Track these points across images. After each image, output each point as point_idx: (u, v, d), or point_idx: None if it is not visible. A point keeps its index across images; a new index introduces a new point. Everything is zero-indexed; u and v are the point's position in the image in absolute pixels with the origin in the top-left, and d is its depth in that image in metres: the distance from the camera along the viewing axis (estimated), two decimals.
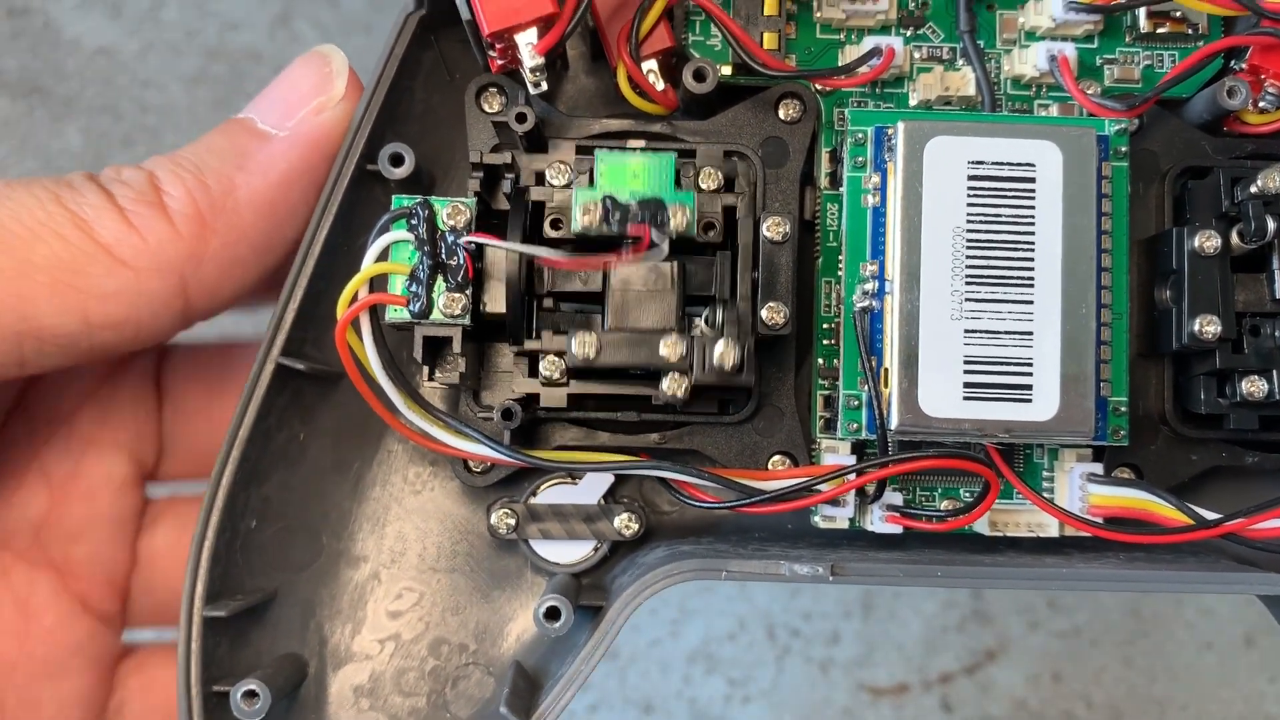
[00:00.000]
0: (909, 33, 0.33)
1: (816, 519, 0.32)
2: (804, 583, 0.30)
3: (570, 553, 0.34)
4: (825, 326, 0.33)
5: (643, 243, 0.29)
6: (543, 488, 0.34)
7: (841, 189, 0.32)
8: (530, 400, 0.31)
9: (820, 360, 0.32)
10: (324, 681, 0.33)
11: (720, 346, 0.29)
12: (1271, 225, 0.30)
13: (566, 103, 0.34)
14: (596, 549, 0.34)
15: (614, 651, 0.87)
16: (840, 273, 0.32)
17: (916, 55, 0.33)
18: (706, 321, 0.31)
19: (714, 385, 0.30)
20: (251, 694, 0.30)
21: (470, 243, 0.30)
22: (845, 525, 0.32)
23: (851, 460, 0.31)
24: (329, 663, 0.33)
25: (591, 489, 0.34)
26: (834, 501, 0.31)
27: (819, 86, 0.33)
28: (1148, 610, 0.89)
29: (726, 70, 0.33)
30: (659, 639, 0.90)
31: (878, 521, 0.32)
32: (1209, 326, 0.30)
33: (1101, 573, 0.30)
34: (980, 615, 0.89)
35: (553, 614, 0.31)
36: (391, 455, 0.34)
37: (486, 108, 0.33)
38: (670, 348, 0.30)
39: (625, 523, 0.33)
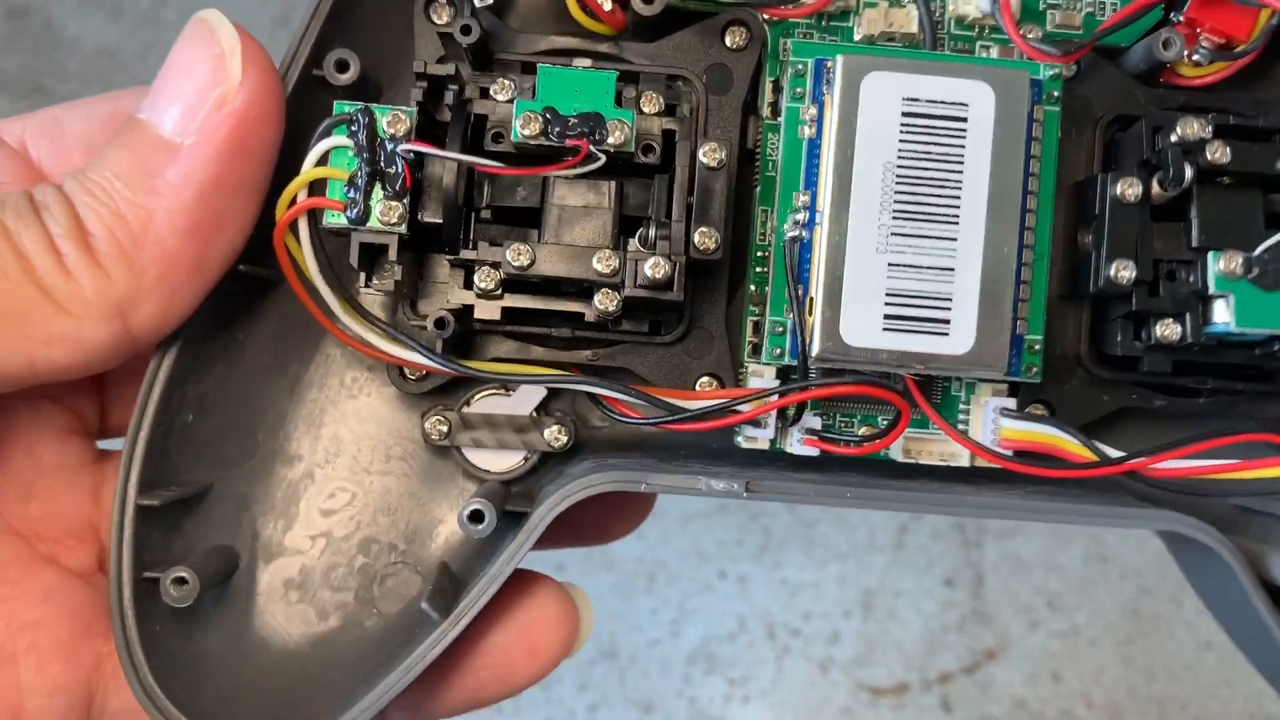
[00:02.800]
0: None
1: (739, 439, 0.34)
2: (721, 497, 0.32)
3: (501, 461, 0.35)
4: (759, 254, 0.34)
5: (580, 154, 0.31)
6: (476, 397, 0.36)
7: (781, 119, 0.34)
8: (465, 312, 0.33)
9: (753, 287, 0.34)
10: (255, 573, 0.35)
11: (651, 261, 0.31)
12: (1189, 172, 0.31)
13: (515, 18, 0.35)
14: (526, 459, 0.35)
15: (614, 651, 0.88)
16: (776, 202, 0.34)
17: None
18: (640, 241, 0.33)
19: (645, 301, 0.32)
20: (181, 580, 0.32)
21: (409, 151, 0.31)
22: (766, 446, 0.34)
23: (775, 384, 0.34)
24: (260, 556, 0.35)
25: (524, 401, 0.35)
26: (755, 423, 0.33)
27: (766, 16, 0.34)
28: (1147, 610, 0.90)
29: None
30: (659, 639, 0.90)
31: (797, 444, 0.34)
32: (1124, 271, 0.32)
33: (1005, 501, 0.32)
34: (980, 615, 0.89)
35: (476, 517, 0.33)
36: (329, 359, 0.36)
37: (435, 19, 0.34)
38: (604, 261, 0.31)
39: (555, 435, 0.35)
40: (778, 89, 0.34)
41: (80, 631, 0.34)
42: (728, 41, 0.34)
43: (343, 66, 0.33)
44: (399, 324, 0.34)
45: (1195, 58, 0.34)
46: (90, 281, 0.30)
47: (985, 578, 0.88)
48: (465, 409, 0.35)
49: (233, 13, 0.32)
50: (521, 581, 0.35)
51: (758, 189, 0.35)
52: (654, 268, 0.31)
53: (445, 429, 0.35)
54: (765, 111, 0.34)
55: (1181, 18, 0.33)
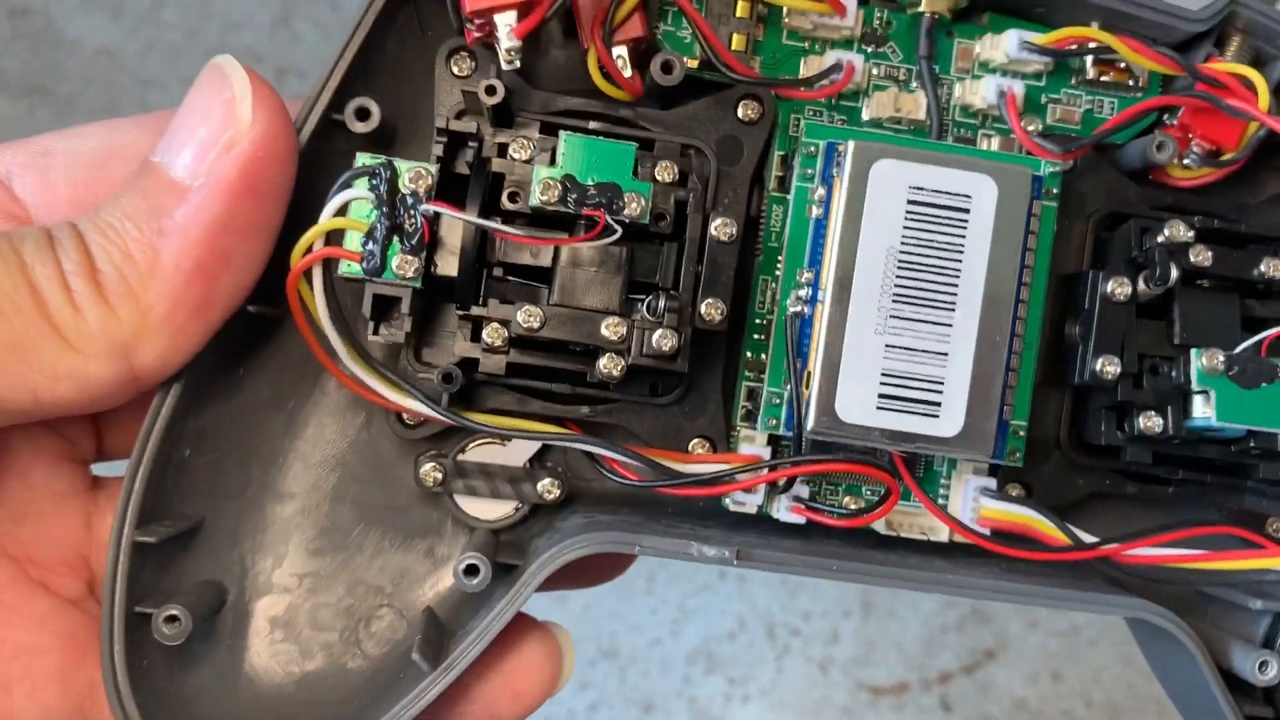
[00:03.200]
0: (870, 49, 0.36)
1: (727, 502, 0.36)
2: (710, 563, 0.33)
3: (492, 510, 0.36)
4: (758, 321, 0.36)
5: (597, 226, 0.32)
6: (471, 446, 0.36)
7: (789, 195, 0.35)
8: (470, 364, 0.34)
9: (749, 354, 0.36)
10: (242, 610, 0.35)
11: (659, 333, 0.32)
12: (1174, 273, 0.33)
13: (536, 77, 0.36)
14: (518, 509, 0.36)
15: (614, 651, 0.88)
16: (778, 273, 0.35)
17: (875, 72, 0.36)
18: (648, 308, 0.33)
19: (649, 368, 0.33)
20: (173, 618, 0.32)
21: (430, 210, 0.32)
22: (754, 511, 0.35)
23: (766, 450, 0.35)
24: (248, 592, 0.36)
25: (519, 452, 0.36)
26: (745, 490, 0.35)
27: (777, 93, 0.35)
28: None
29: (693, 64, 0.35)
30: (659, 639, 0.90)
31: (784, 511, 0.35)
32: (1110, 367, 0.33)
33: (982, 583, 0.33)
34: (979, 615, 0.89)
35: (471, 571, 0.33)
36: (328, 399, 0.36)
37: (456, 71, 0.35)
38: (612, 329, 0.32)
39: (548, 487, 0.36)
40: (786, 163, 0.35)
41: (74, 659, 0.35)
42: (740, 114, 0.35)
43: (363, 115, 0.34)
44: (403, 371, 0.35)
45: (1186, 161, 0.35)
46: (98, 320, 0.31)
47: None
48: (460, 456, 0.36)
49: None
50: (507, 625, 0.35)
51: (760, 257, 0.36)
52: (662, 339, 0.32)
53: (440, 475, 0.35)
54: (772, 184, 0.36)
55: (1175, 122, 0.35)
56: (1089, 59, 0.36)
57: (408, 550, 0.36)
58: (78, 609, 0.36)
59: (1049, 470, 0.36)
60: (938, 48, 0.36)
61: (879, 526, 0.35)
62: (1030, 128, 0.36)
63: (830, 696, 0.87)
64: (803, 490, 0.35)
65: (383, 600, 0.36)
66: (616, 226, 0.32)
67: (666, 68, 0.34)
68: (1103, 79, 0.36)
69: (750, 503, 0.35)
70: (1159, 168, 0.36)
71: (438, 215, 0.32)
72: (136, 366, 0.32)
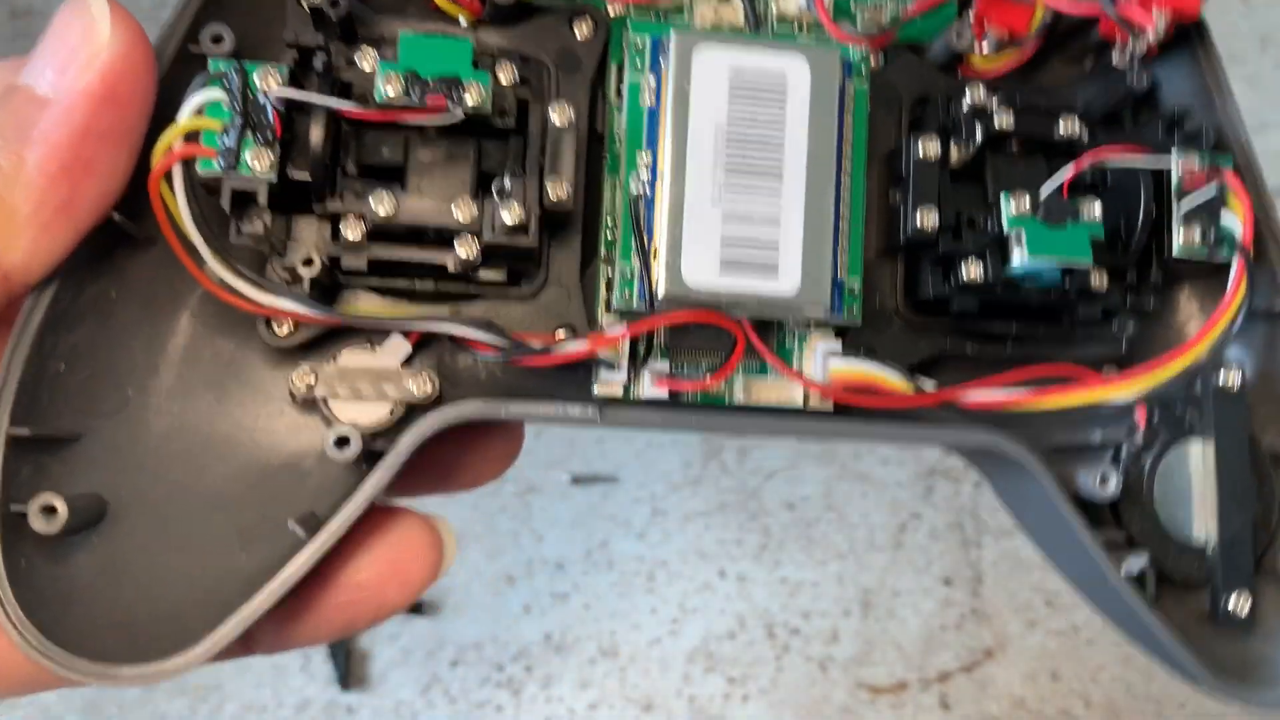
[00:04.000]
0: None
1: (595, 387, 0.37)
2: (576, 425, 0.35)
3: (367, 414, 0.37)
4: (609, 222, 0.38)
5: (439, 107, 0.35)
6: (341, 353, 0.37)
7: (624, 88, 0.38)
8: (332, 265, 0.36)
9: (604, 250, 0.38)
10: (122, 519, 0.36)
11: (506, 208, 0.35)
12: (980, 133, 0.36)
13: (379, 2, 0.39)
14: (392, 412, 0.37)
15: (614, 650, 0.88)
16: (622, 166, 0.38)
17: None
18: (497, 193, 0.36)
19: (502, 246, 0.35)
20: (50, 509, 0.34)
21: (280, 99, 0.34)
22: (620, 393, 0.37)
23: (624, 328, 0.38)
24: (128, 503, 0.36)
25: (390, 356, 0.37)
26: (609, 365, 0.37)
27: (611, 9, 0.39)
28: None
29: None
30: (659, 638, 0.91)
31: (648, 387, 0.37)
32: (929, 217, 0.36)
33: (835, 426, 0.37)
34: (978, 614, 0.89)
35: (342, 442, 0.35)
36: (198, 322, 0.37)
37: (304, 1, 0.37)
38: (463, 209, 0.35)
39: (420, 384, 0.37)
40: (621, 76, 0.38)
41: None
42: (576, 32, 0.38)
43: (217, 39, 0.36)
44: (268, 276, 0.37)
45: (984, 49, 0.38)
46: None
47: (984, 577, 0.88)
48: (331, 362, 0.37)
49: None
50: (388, 518, 0.37)
51: (606, 163, 0.38)
52: (510, 213, 0.34)
53: (311, 380, 0.37)
54: (612, 97, 0.38)
55: (972, 14, 0.38)
56: None
57: (286, 461, 0.37)
58: None
59: (891, 336, 0.38)
60: None
61: (738, 395, 0.37)
62: (843, 29, 0.39)
63: (830, 695, 0.87)
64: (663, 366, 0.37)
65: (264, 501, 0.37)
66: (458, 109, 0.34)
67: None
68: None
69: (615, 381, 0.37)
70: (963, 60, 0.39)
71: (289, 115, 0.34)
72: (5, 265, 0.33)
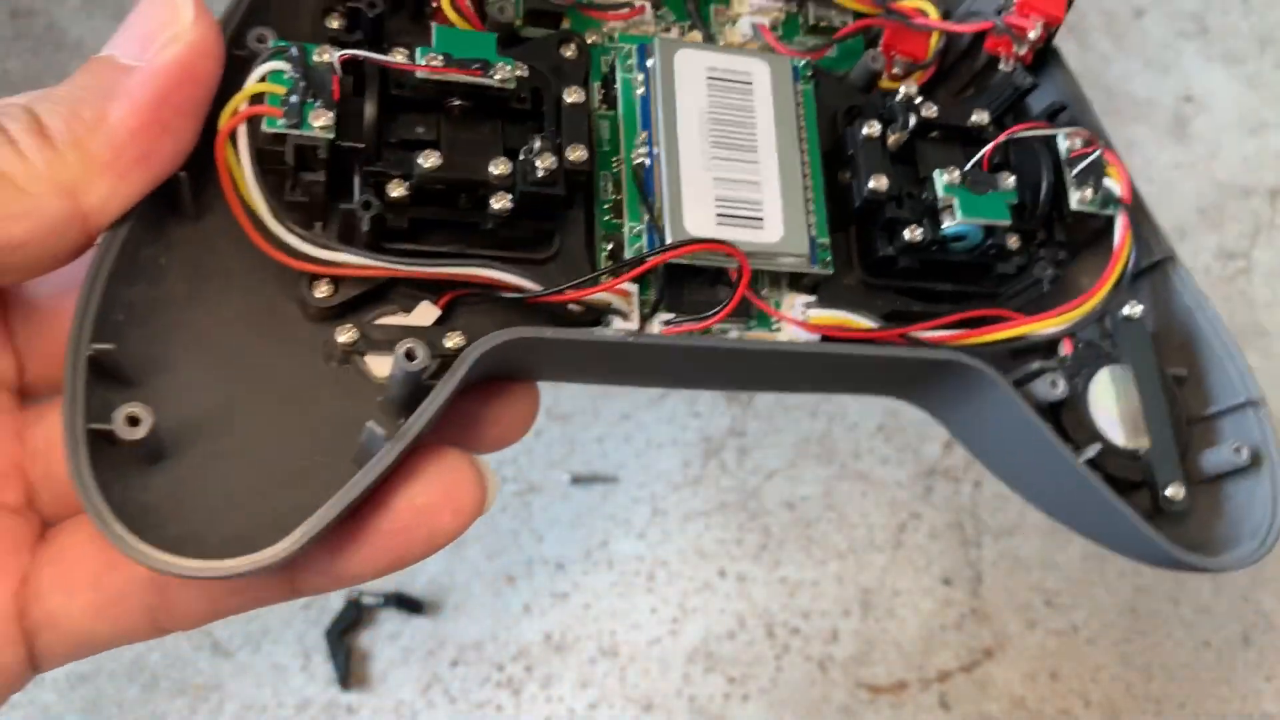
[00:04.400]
0: (655, 10, 0.48)
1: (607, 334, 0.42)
2: (608, 344, 0.40)
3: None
4: (606, 206, 0.43)
5: (478, 74, 0.40)
6: (378, 315, 0.40)
7: (616, 87, 0.45)
8: (376, 223, 0.39)
9: (603, 230, 0.43)
10: (187, 457, 0.38)
11: (540, 160, 0.39)
12: (913, 119, 0.44)
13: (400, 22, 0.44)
14: (426, 368, 0.38)
15: (614, 650, 0.89)
16: (618, 153, 0.44)
17: (660, 24, 0.48)
18: (525, 152, 0.40)
19: (535, 196, 0.40)
20: (134, 419, 0.35)
21: (343, 56, 0.39)
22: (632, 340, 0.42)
23: (634, 287, 0.42)
24: (190, 444, 0.38)
25: (422, 318, 0.41)
26: (621, 316, 0.42)
27: (590, 38, 0.45)
28: (1145, 609, 0.90)
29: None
30: (659, 637, 0.91)
31: (657, 331, 0.42)
32: (879, 182, 0.43)
33: (825, 346, 0.43)
34: (978, 614, 0.90)
35: (410, 355, 0.37)
36: (242, 287, 0.40)
37: (330, 25, 0.42)
38: (499, 166, 0.39)
39: (453, 338, 0.40)
40: (606, 86, 0.45)
41: (7, 550, 0.37)
42: (564, 52, 0.44)
43: (262, 40, 0.40)
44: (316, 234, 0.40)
45: (895, 71, 0.48)
46: (45, 164, 0.35)
47: (983, 576, 0.89)
48: (369, 323, 0.40)
49: None
50: (434, 452, 0.39)
51: (598, 164, 0.44)
52: (543, 162, 0.39)
53: (354, 337, 0.40)
54: (595, 103, 0.45)
55: (881, 45, 0.47)
56: (810, 8, 0.49)
57: (334, 414, 0.39)
58: (15, 515, 0.38)
59: (851, 297, 0.45)
60: (701, 12, 0.48)
61: (732, 337, 0.43)
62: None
63: (829, 695, 0.88)
64: (668, 317, 0.43)
65: (315, 455, 0.39)
66: (494, 75, 0.40)
67: (500, 10, 0.44)
68: (820, 25, 0.49)
69: (627, 329, 0.42)
70: (877, 79, 0.47)
71: (347, 72, 0.39)
72: (84, 205, 0.36)
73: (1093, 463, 0.43)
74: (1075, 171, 0.45)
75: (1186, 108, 1.09)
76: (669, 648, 0.86)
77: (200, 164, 0.38)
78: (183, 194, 0.39)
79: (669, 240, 0.41)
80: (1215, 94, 1.10)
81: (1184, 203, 1.06)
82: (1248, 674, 0.87)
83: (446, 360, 0.39)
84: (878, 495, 0.92)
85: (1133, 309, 0.45)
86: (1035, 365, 0.45)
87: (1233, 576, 0.89)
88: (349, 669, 0.83)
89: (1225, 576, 0.89)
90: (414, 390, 0.38)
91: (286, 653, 0.84)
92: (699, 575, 0.89)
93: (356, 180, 0.39)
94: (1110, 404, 0.45)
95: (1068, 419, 0.44)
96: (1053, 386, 0.43)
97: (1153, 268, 0.47)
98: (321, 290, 0.40)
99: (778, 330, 0.44)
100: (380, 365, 0.40)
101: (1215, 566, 0.42)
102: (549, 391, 0.97)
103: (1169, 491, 0.43)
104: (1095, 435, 0.44)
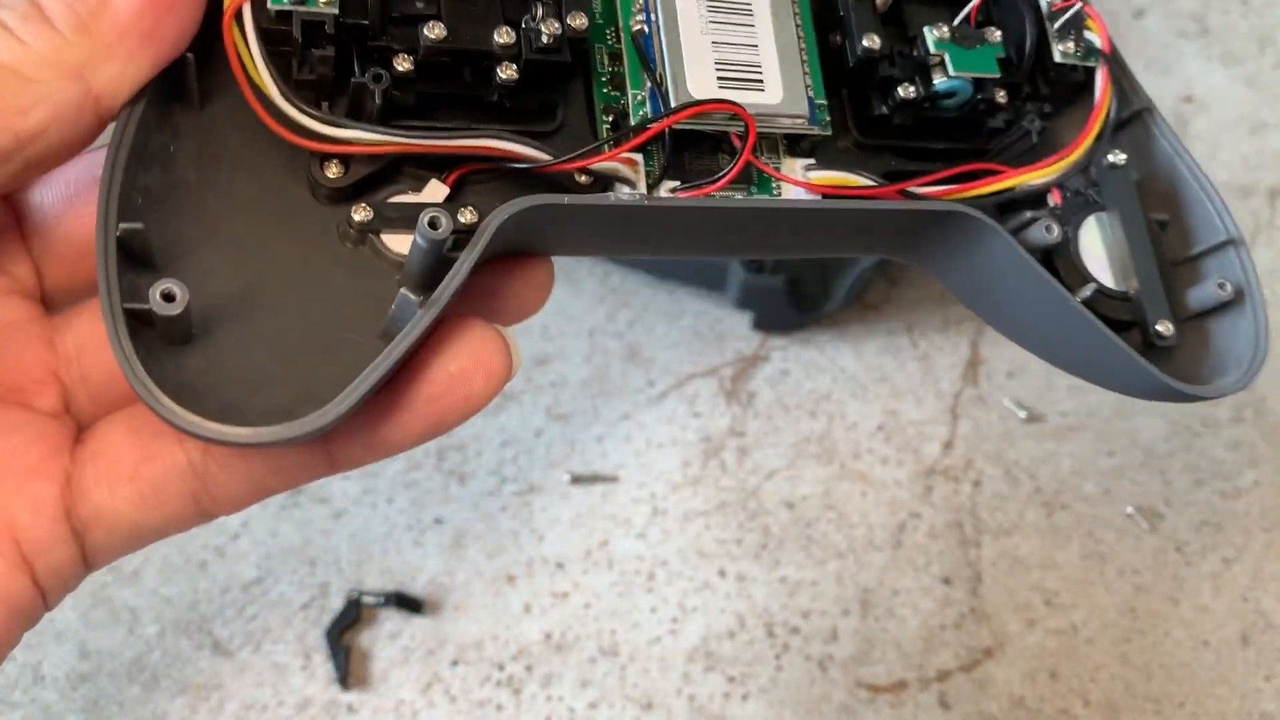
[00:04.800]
0: None
1: (613, 199, 0.43)
2: (623, 208, 0.40)
3: None
4: (604, 79, 0.44)
5: None
6: (389, 194, 0.41)
7: None
8: (384, 97, 0.40)
9: (601, 104, 0.44)
10: (216, 337, 0.38)
11: (544, 27, 0.40)
12: None
13: None
14: (449, 238, 0.38)
15: (614, 649, 0.89)
16: (611, 25, 0.45)
17: None
18: (526, 20, 0.41)
19: (540, 64, 0.40)
20: (169, 295, 0.35)
21: None
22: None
23: (639, 156, 0.43)
24: (218, 325, 0.38)
25: (433, 195, 0.41)
26: (628, 184, 0.43)
27: None
28: (1144, 608, 0.90)
29: None
30: (658, 637, 0.91)
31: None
32: (872, 39, 0.44)
33: (831, 203, 0.44)
34: (977, 613, 0.90)
35: (434, 223, 0.37)
36: (252, 172, 0.40)
37: None
38: (503, 35, 0.40)
39: (468, 215, 0.41)
40: None
41: (49, 452, 0.38)
42: None
43: None
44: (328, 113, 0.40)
45: None
46: (51, 49, 0.35)
47: (983, 576, 0.89)
48: (381, 202, 0.40)
49: None
50: (461, 321, 0.40)
51: (593, 37, 0.45)
52: (547, 28, 0.39)
53: (369, 216, 0.40)
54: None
55: None
56: None
57: (351, 295, 0.40)
58: (53, 419, 0.39)
59: (848, 160, 0.46)
60: None
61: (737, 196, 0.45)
62: None
63: (829, 694, 0.88)
64: (673, 184, 0.44)
65: (341, 332, 0.39)
66: None
67: None
68: None
69: (635, 196, 0.43)
70: None
71: None
72: (94, 87, 0.36)
73: (1087, 304, 0.45)
74: (1057, 25, 0.46)
75: (1186, 108, 1.09)
76: (669, 647, 0.86)
77: (204, 50, 0.38)
78: (189, 78, 0.39)
79: (674, 104, 0.42)
80: (1215, 94, 1.10)
81: None
82: (1247, 674, 0.87)
83: (461, 237, 0.39)
84: (877, 495, 0.92)
85: (1116, 157, 0.47)
86: (1028, 214, 0.46)
87: (1232, 576, 0.89)
88: (349, 669, 0.84)
89: (1225, 576, 0.89)
90: (436, 262, 0.38)
91: (287, 652, 0.84)
92: (699, 575, 0.89)
93: (355, 62, 0.39)
94: (1099, 249, 0.47)
95: (1060, 265, 0.46)
96: (1047, 231, 0.45)
97: (1132, 119, 0.49)
98: (332, 171, 0.40)
99: (779, 193, 0.45)
100: (397, 243, 0.40)
101: (1205, 394, 0.44)
102: (549, 392, 0.97)
103: (1159, 328, 0.45)
104: (1087, 278, 0.46)
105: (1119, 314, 0.46)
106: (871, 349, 0.99)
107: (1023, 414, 0.95)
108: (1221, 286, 0.46)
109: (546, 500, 0.92)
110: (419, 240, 0.38)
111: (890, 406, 0.96)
